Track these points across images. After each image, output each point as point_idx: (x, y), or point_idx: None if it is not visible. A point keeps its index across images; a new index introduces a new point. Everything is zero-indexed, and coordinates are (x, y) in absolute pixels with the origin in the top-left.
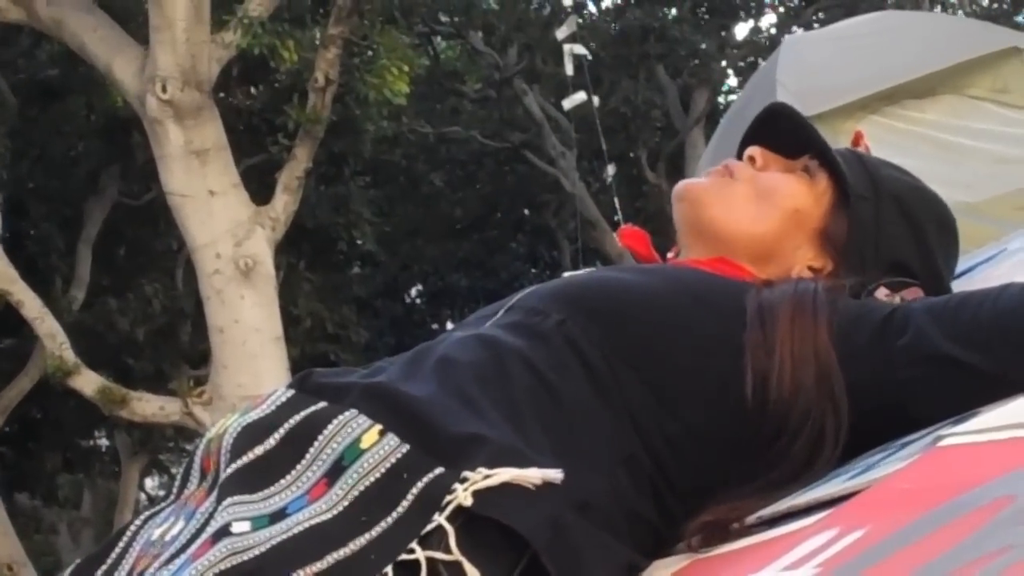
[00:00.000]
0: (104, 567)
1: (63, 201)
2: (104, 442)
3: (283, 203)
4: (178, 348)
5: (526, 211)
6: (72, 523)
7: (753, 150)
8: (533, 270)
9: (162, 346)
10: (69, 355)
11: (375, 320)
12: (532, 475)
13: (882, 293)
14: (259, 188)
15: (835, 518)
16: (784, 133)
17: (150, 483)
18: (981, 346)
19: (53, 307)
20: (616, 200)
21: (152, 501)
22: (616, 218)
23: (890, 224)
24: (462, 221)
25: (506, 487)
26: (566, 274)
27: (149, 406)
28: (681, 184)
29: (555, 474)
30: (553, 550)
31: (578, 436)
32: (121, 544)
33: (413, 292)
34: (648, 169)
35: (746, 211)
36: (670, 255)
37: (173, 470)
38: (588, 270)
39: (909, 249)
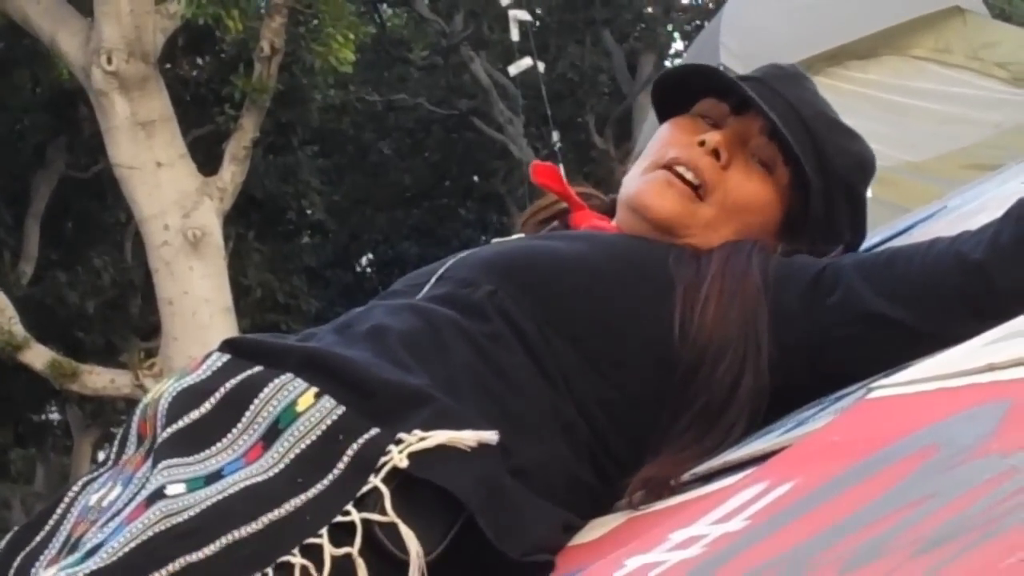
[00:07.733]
0: (42, 534)
1: (10, 175)
2: (56, 416)
3: (231, 173)
4: (128, 321)
5: (475, 178)
6: (25, 498)
7: (716, 140)
8: (484, 237)
9: (112, 319)
10: (19, 329)
11: (326, 290)
12: (467, 437)
13: None
14: (206, 159)
15: (765, 472)
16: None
17: (103, 456)
18: (910, 302)
19: (2, 282)
20: (562, 167)
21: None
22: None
23: (838, 211)
24: (411, 189)
25: (441, 449)
26: (495, 240)
27: (100, 379)
28: (642, 201)
29: (490, 436)
30: (488, 511)
31: (516, 405)
32: (59, 511)
33: (363, 261)
34: (596, 134)
35: (714, 229)
36: (575, 190)
37: None
38: (517, 236)
39: (848, 226)
